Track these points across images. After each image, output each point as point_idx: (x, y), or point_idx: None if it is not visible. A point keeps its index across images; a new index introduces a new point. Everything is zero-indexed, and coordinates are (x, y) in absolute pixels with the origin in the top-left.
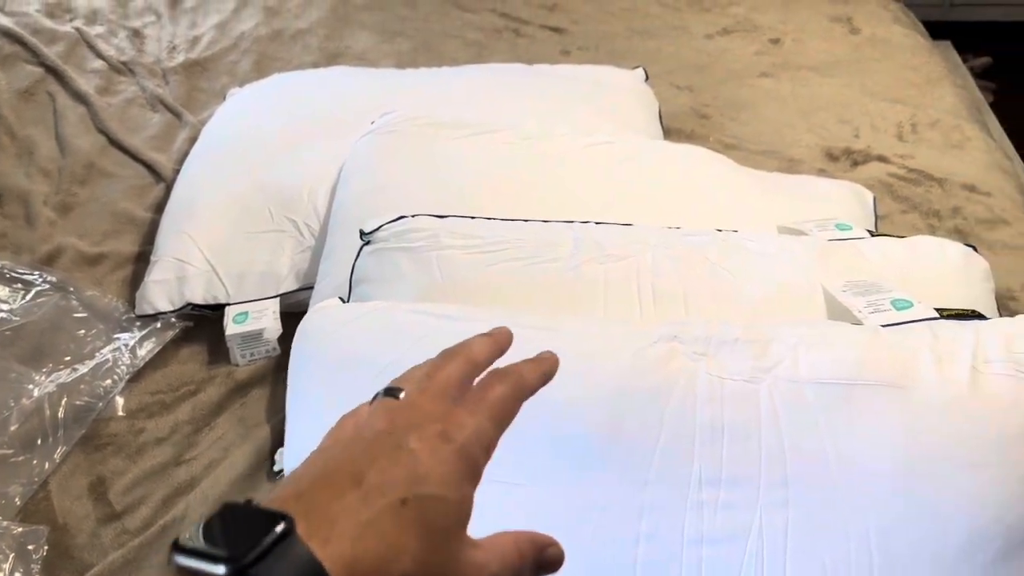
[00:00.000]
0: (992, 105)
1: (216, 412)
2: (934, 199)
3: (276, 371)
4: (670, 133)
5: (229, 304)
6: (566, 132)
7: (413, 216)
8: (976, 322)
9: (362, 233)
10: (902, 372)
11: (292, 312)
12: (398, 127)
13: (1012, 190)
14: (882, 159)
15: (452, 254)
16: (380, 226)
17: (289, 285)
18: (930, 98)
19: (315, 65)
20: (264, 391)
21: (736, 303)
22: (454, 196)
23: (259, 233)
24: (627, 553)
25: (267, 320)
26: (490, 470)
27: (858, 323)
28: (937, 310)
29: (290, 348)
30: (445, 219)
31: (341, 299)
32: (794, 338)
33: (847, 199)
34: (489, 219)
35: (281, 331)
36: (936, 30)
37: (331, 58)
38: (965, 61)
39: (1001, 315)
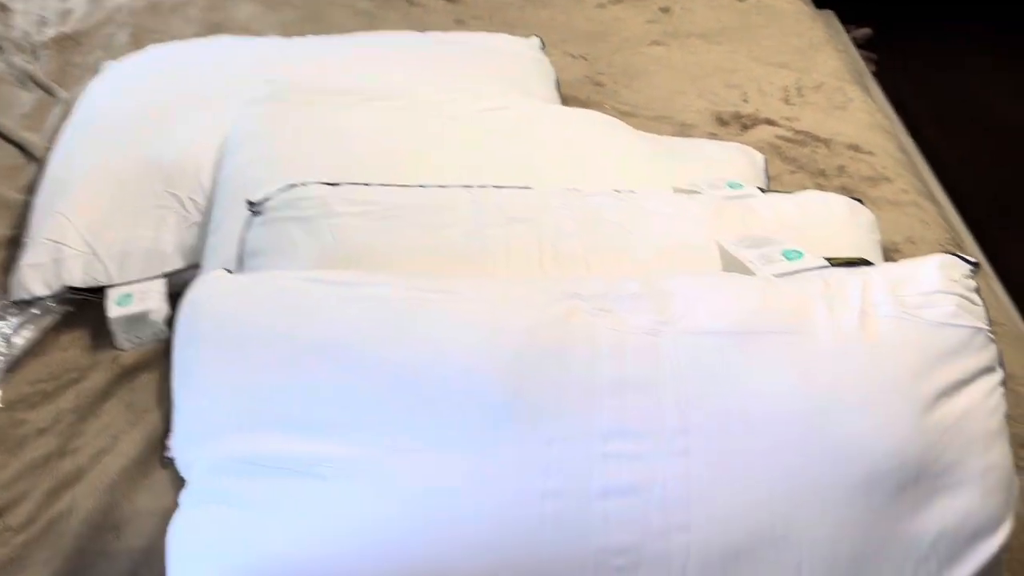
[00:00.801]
0: (874, 75)
1: (102, 399)
2: (820, 159)
3: (165, 354)
4: (567, 101)
5: (111, 286)
6: (461, 97)
7: (303, 184)
8: (863, 268)
9: (250, 204)
10: (796, 319)
11: (180, 293)
12: (284, 95)
13: (893, 149)
14: (770, 122)
15: (346, 221)
16: (269, 196)
17: (175, 263)
18: (814, 62)
19: (196, 37)
20: (153, 376)
21: (635, 261)
22: (346, 164)
23: (141, 210)
24: (534, 510)
25: (153, 301)
26: (390, 438)
27: (751, 275)
28: (826, 259)
29: None
30: (337, 186)
31: (227, 270)
32: (692, 290)
33: (739, 160)
34: (384, 185)
35: (169, 312)
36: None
37: (213, 29)
38: (848, 32)
39: None
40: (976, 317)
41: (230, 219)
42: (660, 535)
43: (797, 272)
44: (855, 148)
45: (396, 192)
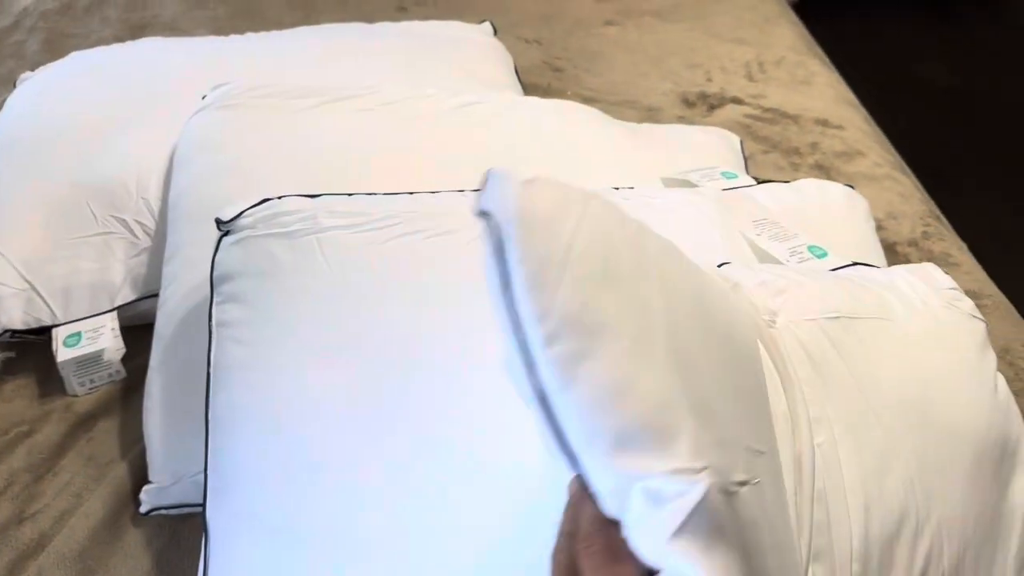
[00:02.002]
0: None
1: (58, 454)
2: (792, 136)
3: (124, 397)
4: (527, 88)
5: (57, 325)
6: (431, 94)
7: (280, 198)
8: (888, 268)
9: (219, 222)
10: (880, 307)
11: (135, 326)
12: (238, 100)
13: (861, 122)
14: (736, 101)
15: (336, 235)
16: (241, 213)
17: (126, 296)
18: (771, 37)
19: (117, 39)
20: (112, 422)
21: None
22: (318, 173)
23: (82, 239)
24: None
25: (105, 339)
26: None
27: None
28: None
29: (136, 368)
30: (318, 198)
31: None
32: (780, 280)
33: (717, 144)
34: (369, 195)
35: (124, 350)
36: None
37: (136, 30)
38: None
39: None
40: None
41: (190, 241)
42: (821, 530)
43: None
44: (824, 123)
45: (383, 201)
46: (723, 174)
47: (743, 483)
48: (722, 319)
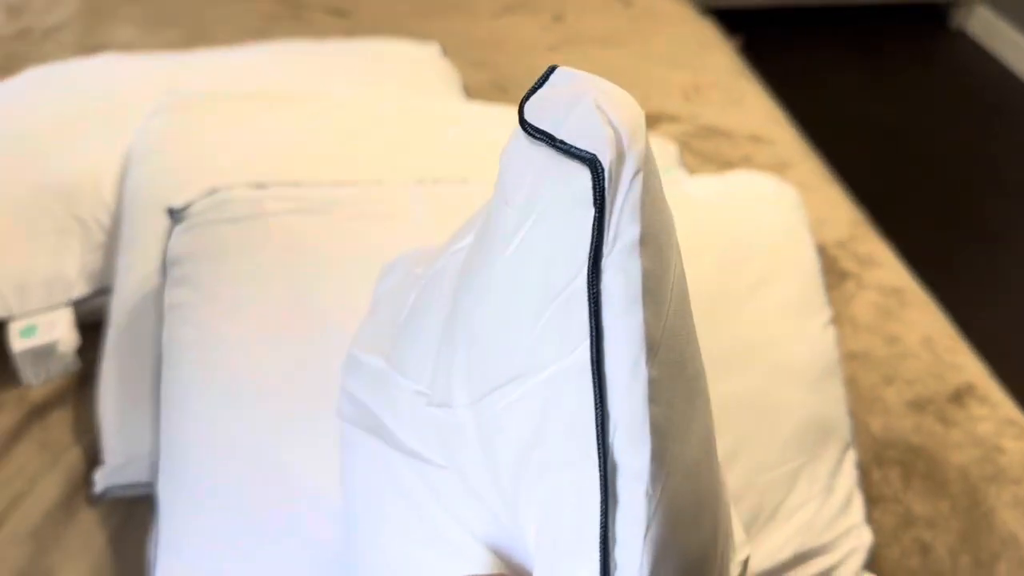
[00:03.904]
0: None
1: (12, 441)
2: (725, 151)
3: (79, 387)
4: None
5: (12, 318)
6: (379, 98)
7: (228, 188)
8: None
9: (171, 212)
10: None
11: (89, 324)
12: (190, 103)
13: (790, 138)
14: (673, 119)
15: (280, 219)
16: (191, 201)
17: (81, 290)
18: (706, 62)
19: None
20: (66, 411)
21: None
22: (267, 168)
23: (38, 235)
24: None
25: (60, 330)
26: None
27: None
28: None
29: (90, 363)
30: (267, 188)
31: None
32: None
33: (655, 149)
34: (315, 185)
35: (79, 342)
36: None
37: (91, 53)
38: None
39: None
40: None
41: (143, 234)
42: None
43: None
44: (756, 139)
45: (329, 189)
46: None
47: None
48: None
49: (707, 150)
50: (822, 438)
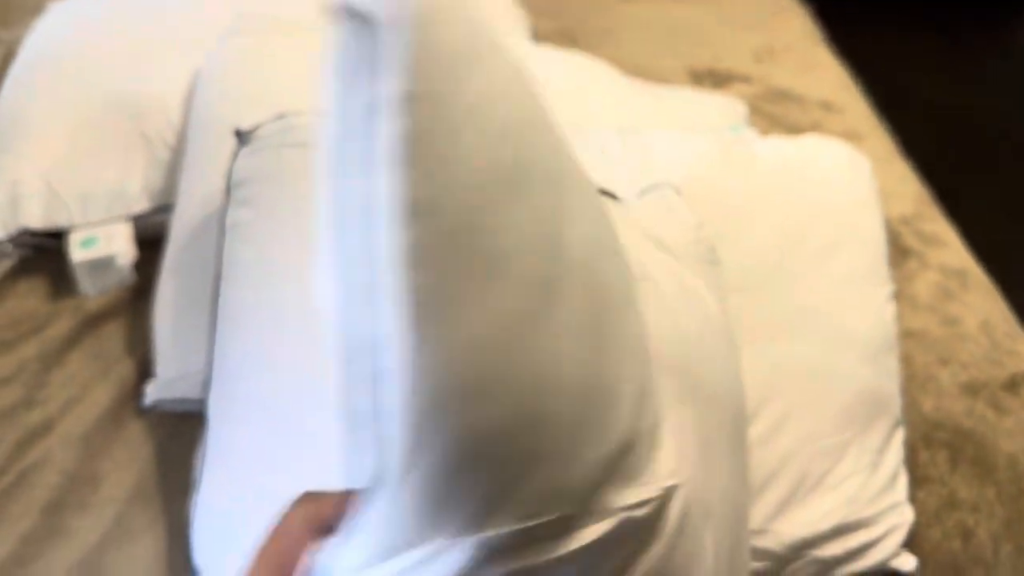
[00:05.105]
0: None
1: (67, 348)
2: (795, 116)
3: (134, 301)
4: None
5: (73, 229)
6: None
7: (296, 114)
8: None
9: (238, 133)
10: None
11: (147, 238)
12: (262, 27)
13: (861, 109)
14: (743, 79)
15: None
16: (259, 125)
17: (142, 206)
18: (781, 25)
19: None
20: (120, 324)
21: None
22: None
23: (106, 149)
24: None
25: (119, 244)
26: None
27: None
28: None
29: (147, 275)
30: None
31: None
32: None
33: (724, 107)
34: None
35: (136, 256)
36: None
37: None
38: None
39: None
40: None
41: (208, 154)
42: None
43: None
44: (827, 106)
45: None
46: (731, 128)
47: None
48: None
49: (776, 113)
50: (874, 412)
